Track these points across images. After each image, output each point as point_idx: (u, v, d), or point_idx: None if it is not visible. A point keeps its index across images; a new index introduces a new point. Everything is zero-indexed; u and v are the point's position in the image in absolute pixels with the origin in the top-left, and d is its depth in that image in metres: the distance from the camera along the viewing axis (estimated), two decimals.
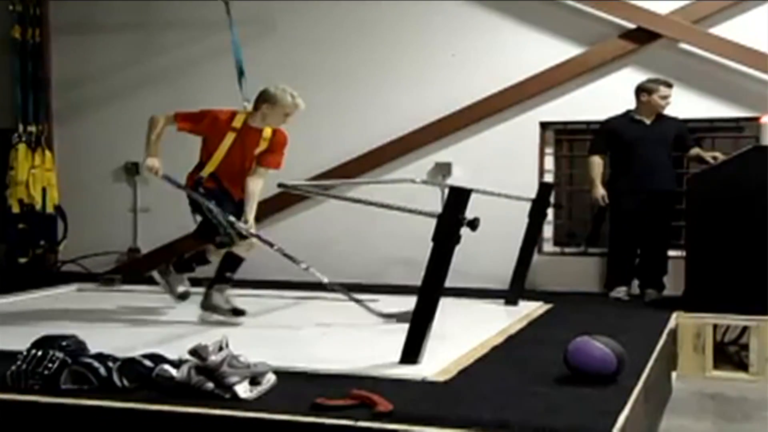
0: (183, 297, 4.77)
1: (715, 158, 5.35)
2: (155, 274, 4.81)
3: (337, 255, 6.31)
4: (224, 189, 4.59)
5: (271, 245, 4.57)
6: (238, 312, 4.55)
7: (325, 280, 4.54)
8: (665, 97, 5.45)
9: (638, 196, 5.46)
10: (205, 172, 4.55)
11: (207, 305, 4.57)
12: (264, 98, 4.48)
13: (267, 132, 4.58)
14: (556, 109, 6.13)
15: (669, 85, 5.48)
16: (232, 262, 4.61)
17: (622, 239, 5.61)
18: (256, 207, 4.63)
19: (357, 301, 4.55)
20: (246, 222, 4.52)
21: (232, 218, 4.48)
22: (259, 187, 4.63)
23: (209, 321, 4.53)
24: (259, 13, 6.54)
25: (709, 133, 5.81)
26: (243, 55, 5.84)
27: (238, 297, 4.79)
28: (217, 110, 4.60)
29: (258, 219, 4.77)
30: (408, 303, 3.63)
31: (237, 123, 4.52)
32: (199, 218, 4.59)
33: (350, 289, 5.44)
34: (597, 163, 5.64)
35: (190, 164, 4.69)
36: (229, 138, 4.50)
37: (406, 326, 3.57)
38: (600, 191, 5.60)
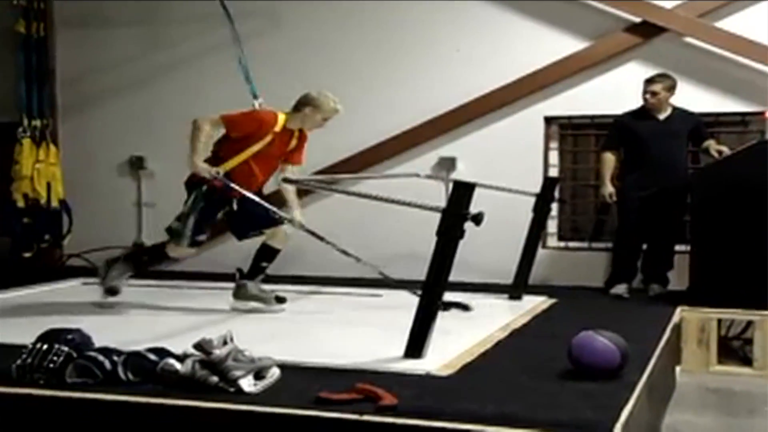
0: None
1: (720, 152, 5.33)
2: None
3: None
4: (228, 189, 4.56)
5: (322, 239, 4.62)
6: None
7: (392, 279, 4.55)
8: (647, 92, 5.41)
9: (650, 191, 5.44)
10: (223, 168, 4.54)
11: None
12: (307, 102, 4.61)
13: (299, 132, 4.72)
14: (561, 103, 6.12)
15: (648, 80, 5.41)
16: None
17: (629, 236, 5.59)
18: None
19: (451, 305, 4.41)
20: (293, 219, 4.68)
21: (279, 213, 4.64)
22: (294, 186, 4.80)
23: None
24: (265, 8, 6.53)
25: (714, 128, 5.80)
26: (247, 57, 5.86)
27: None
28: (264, 114, 4.69)
29: None
30: (413, 298, 3.63)
31: (278, 126, 4.60)
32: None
33: (353, 283, 5.47)
34: (609, 159, 5.61)
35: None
36: (267, 139, 4.57)
37: (409, 322, 3.57)
38: (609, 189, 5.57)
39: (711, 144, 5.46)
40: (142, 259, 4.98)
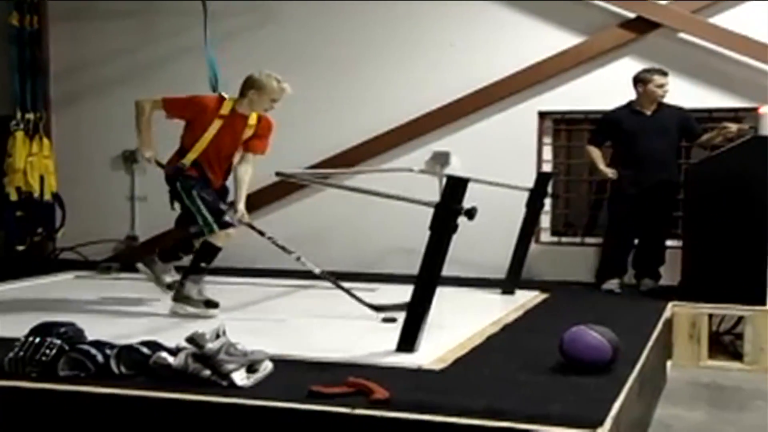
0: (170, 287, 4.67)
1: (740, 129, 5.23)
2: (140, 266, 4.76)
3: (335, 244, 6.32)
4: (206, 177, 4.51)
5: (263, 234, 4.56)
6: (211, 304, 4.43)
7: (317, 270, 4.52)
8: (661, 86, 5.44)
9: (639, 187, 5.45)
10: (188, 159, 4.47)
11: (179, 297, 4.48)
12: (250, 84, 4.44)
13: (252, 118, 4.55)
14: (555, 98, 6.12)
15: (664, 74, 5.46)
16: (209, 251, 4.51)
17: (620, 231, 5.61)
18: (246, 195, 4.61)
19: (348, 292, 4.51)
20: (237, 211, 4.51)
21: (223, 206, 4.45)
22: (249, 174, 4.61)
23: (181, 314, 4.40)
24: (257, 4, 6.52)
25: (707, 123, 5.81)
26: (238, 53, 5.79)
27: (234, 286, 4.81)
28: (204, 96, 4.57)
29: (255, 207, 4.78)
30: (406, 292, 3.64)
31: (225, 110, 4.47)
32: (178, 206, 4.56)
33: (347, 277, 5.45)
34: (593, 150, 5.62)
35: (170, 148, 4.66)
36: (216, 125, 4.45)
37: (402, 315, 3.58)
38: (606, 169, 5.51)
39: (714, 133, 5.38)
40: (201, 267, 4.55)
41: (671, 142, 5.54)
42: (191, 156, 4.48)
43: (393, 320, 3.99)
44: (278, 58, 6.36)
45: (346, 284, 5.47)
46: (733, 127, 5.30)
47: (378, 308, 4.32)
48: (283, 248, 4.52)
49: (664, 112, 5.52)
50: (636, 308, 4.84)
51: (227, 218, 4.46)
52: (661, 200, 5.49)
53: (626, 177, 5.50)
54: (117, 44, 6.95)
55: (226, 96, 4.55)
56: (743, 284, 4.88)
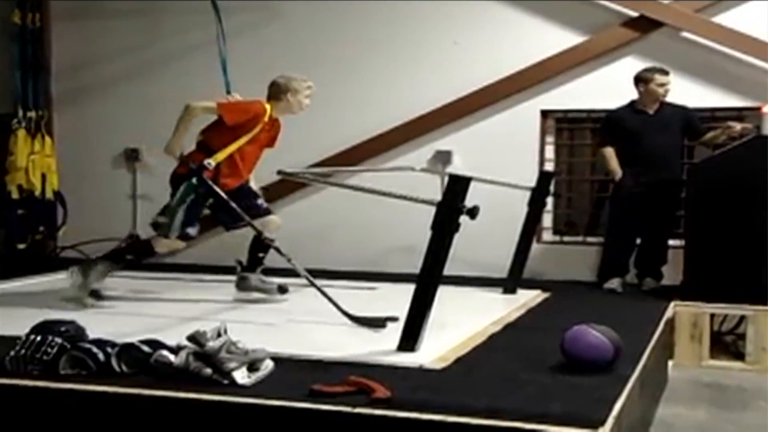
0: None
1: (744, 128, 5.23)
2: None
3: (337, 243, 6.32)
4: (216, 183, 4.55)
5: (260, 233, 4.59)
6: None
7: (303, 272, 4.41)
8: (662, 85, 5.43)
9: (642, 187, 5.44)
10: (215, 159, 4.53)
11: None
12: (284, 89, 4.65)
13: (276, 120, 4.77)
14: (558, 97, 6.12)
15: (665, 72, 5.45)
16: (144, 250, 4.77)
17: (622, 230, 5.60)
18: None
19: (330, 300, 4.26)
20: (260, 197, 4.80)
21: (193, 229, 4.63)
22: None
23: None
24: (260, 2, 6.51)
25: (710, 123, 5.80)
26: (241, 52, 5.82)
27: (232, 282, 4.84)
28: (257, 102, 4.66)
29: None
30: (407, 291, 3.63)
31: (267, 116, 4.63)
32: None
33: (349, 276, 5.45)
34: (609, 150, 5.57)
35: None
36: (256, 130, 4.59)
37: (403, 315, 3.57)
38: (618, 169, 5.47)
39: (718, 132, 5.37)
40: (126, 258, 4.83)
41: (674, 140, 5.53)
42: (219, 156, 4.54)
43: (395, 319, 3.97)
44: (282, 57, 6.36)
45: (346, 283, 5.49)
46: (737, 126, 5.29)
47: (357, 319, 4.12)
48: (278, 250, 4.51)
49: (667, 110, 5.51)
50: (638, 308, 4.84)
51: (190, 232, 4.63)
52: (663, 199, 5.48)
53: (628, 176, 5.49)
54: (119, 42, 6.95)
55: (265, 103, 4.67)
56: (745, 284, 4.87)
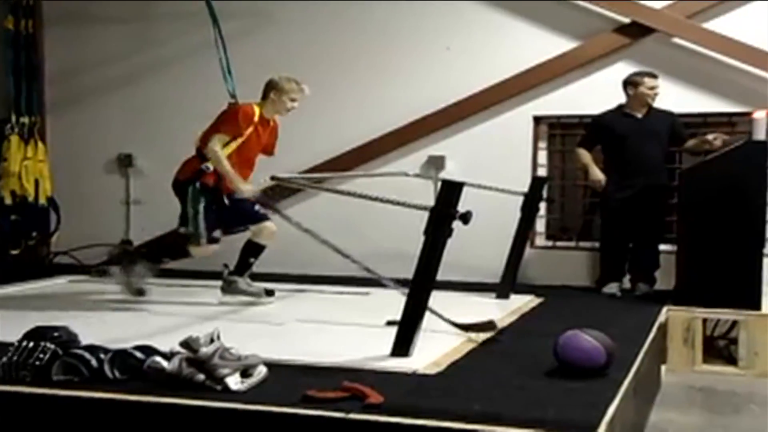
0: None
1: (716, 138, 5.28)
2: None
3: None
4: (218, 186, 4.64)
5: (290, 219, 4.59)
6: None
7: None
8: (652, 88, 5.45)
9: (630, 191, 5.46)
10: (212, 163, 4.60)
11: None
12: (271, 87, 4.69)
13: (272, 122, 4.81)
14: (550, 103, 6.14)
15: (654, 76, 5.47)
16: (179, 254, 4.83)
17: (614, 235, 5.62)
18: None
19: (436, 313, 4.00)
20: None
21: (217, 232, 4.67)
22: None
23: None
24: (256, 6, 6.52)
25: (701, 128, 5.83)
26: (236, 56, 5.81)
27: None
28: (248, 107, 4.70)
29: None
30: (400, 296, 3.64)
31: (256, 117, 4.67)
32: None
33: (342, 282, 5.44)
34: (583, 152, 5.62)
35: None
36: (248, 132, 4.64)
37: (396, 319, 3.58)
38: (599, 174, 5.52)
39: (695, 141, 5.44)
40: (162, 260, 4.96)
41: (661, 146, 5.55)
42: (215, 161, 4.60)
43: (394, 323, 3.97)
44: (275, 62, 6.34)
45: (338, 288, 5.49)
46: (717, 141, 5.31)
47: (464, 327, 3.96)
48: (312, 234, 4.50)
49: (655, 115, 5.53)
50: (631, 312, 4.85)
51: (216, 234, 4.69)
52: (651, 204, 5.50)
53: (612, 183, 5.51)
54: (112, 48, 6.95)
55: (255, 105, 4.72)
56: (738, 289, 4.88)
